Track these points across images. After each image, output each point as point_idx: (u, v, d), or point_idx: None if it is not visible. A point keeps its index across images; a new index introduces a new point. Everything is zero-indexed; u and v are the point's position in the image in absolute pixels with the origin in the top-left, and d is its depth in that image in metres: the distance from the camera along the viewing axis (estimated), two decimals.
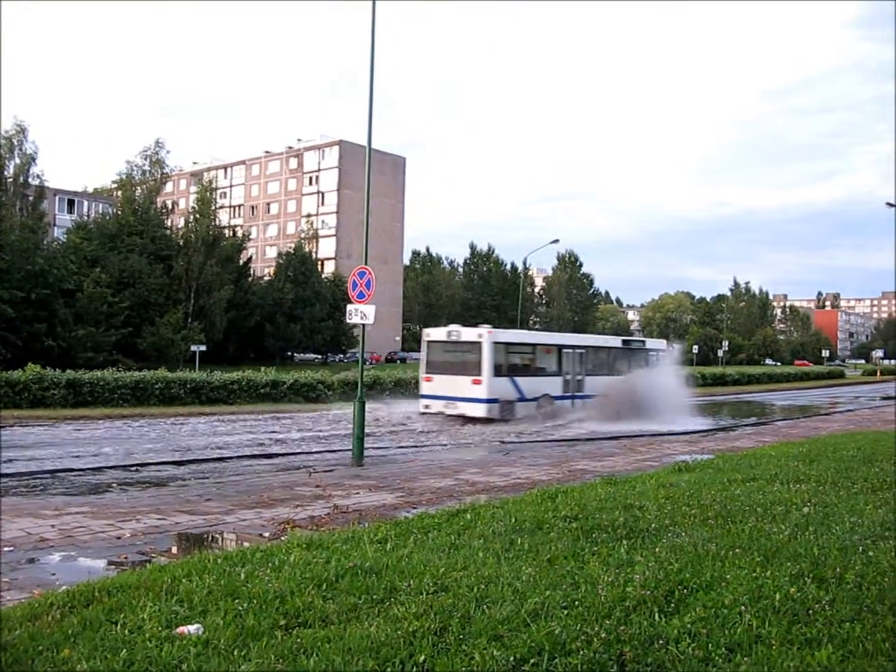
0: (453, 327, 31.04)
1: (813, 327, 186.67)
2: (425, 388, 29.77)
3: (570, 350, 32.12)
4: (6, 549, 8.67)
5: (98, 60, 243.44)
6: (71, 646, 4.85)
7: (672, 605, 5.63)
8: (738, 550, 7.13)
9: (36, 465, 16.43)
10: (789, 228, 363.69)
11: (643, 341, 42.34)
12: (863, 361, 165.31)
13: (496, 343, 28.80)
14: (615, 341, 37.75)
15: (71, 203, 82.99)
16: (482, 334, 28.65)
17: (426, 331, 32.26)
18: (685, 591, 5.93)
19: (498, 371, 28.45)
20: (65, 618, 5.45)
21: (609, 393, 30.36)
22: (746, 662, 4.60)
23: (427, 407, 29.29)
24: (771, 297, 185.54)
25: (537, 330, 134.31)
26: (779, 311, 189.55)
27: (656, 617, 5.34)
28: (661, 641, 4.87)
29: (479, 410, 27.87)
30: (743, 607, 5.47)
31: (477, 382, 27.89)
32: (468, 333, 29.46)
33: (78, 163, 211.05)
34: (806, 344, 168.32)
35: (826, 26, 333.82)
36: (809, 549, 7.16)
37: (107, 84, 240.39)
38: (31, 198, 61.52)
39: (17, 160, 59.96)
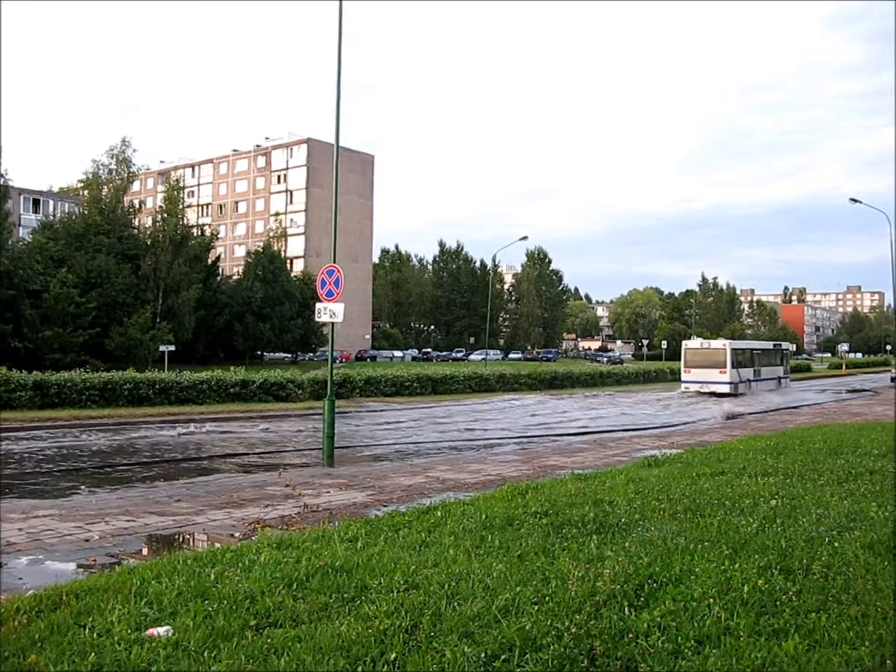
0: (704, 340, 56.82)
1: (780, 321, 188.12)
2: (685, 377, 48.48)
3: (759, 351, 54.99)
4: None
5: (63, 57, 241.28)
6: (38, 651, 4.80)
7: (642, 598, 5.66)
8: (706, 544, 7.18)
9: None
10: (756, 224, 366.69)
11: (780, 344, 64.88)
12: (829, 355, 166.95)
13: (733, 349, 48.15)
14: (770, 344, 61.42)
15: (36, 202, 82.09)
16: (725, 344, 49.94)
17: (685, 342, 51.94)
18: (655, 584, 5.96)
19: (734, 365, 47.04)
20: (31, 622, 5.40)
21: (773, 377, 54.39)
22: (715, 654, 4.64)
23: (687, 388, 47.83)
24: (738, 291, 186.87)
25: (507, 327, 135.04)
26: (746, 306, 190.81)
27: (626, 611, 5.36)
28: (630, 635, 4.90)
29: (725, 389, 45.94)
30: (712, 600, 5.51)
31: (723, 373, 46.39)
32: (715, 343, 51.39)
33: (43, 162, 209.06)
34: (773, 338, 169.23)
35: (791, 25, 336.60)
36: (777, 542, 7.22)
37: (72, 82, 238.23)
38: None
39: None
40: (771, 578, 6.03)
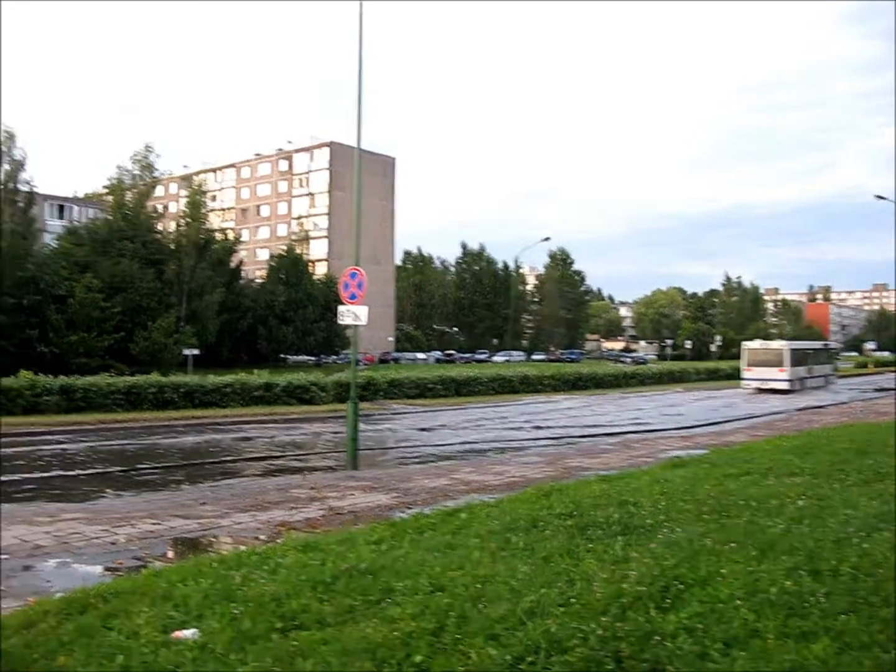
0: (763, 341, 60.69)
1: (805, 320, 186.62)
2: (746, 374, 52.18)
3: (811, 350, 57.88)
4: (1, 556, 8.64)
5: (88, 65, 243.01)
6: (67, 653, 4.84)
7: (668, 600, 5.63)
8: (733, 545, 7.13)
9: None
10: (780, 223, 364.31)
11: (829, 343, 72.01)
12: (855, 353, 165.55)
13: (791, 349, 51.66)
14: (821, 344, 65.99)
15: (61, 208, 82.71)
16: (783, 345, 53.32)
17: (745, 343, 56.19)
18: (681, 586, 5.93)
19: (791, 364, 50.15)
20: (60, 625, 5.44)
21: (822, 374, 57.22)
22: (743, 657, 4.60)
23: (748, 384, 51.52)
24: (762, 290, 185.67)
25: (530, 328, 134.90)
26: (770, 305, 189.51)
27: (652, 613, 5.33)
28: (657, 637, 4.87)
29: (784, 385, 49.35)
30: (739, 602, 5.47)
31: (782, 371, 49.76)
32: (774, 344, 55.12)
33: (68, 168, 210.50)
34: (798, 337, 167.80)
35: (812, 22, 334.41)
36: (804, 543, 7.16)
37: (97, 89, 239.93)
38: (20, 204, 61.15)
39: (7, 166, 59.60)
40: (799, 580, 5.98)
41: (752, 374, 51.60)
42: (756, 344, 55.50)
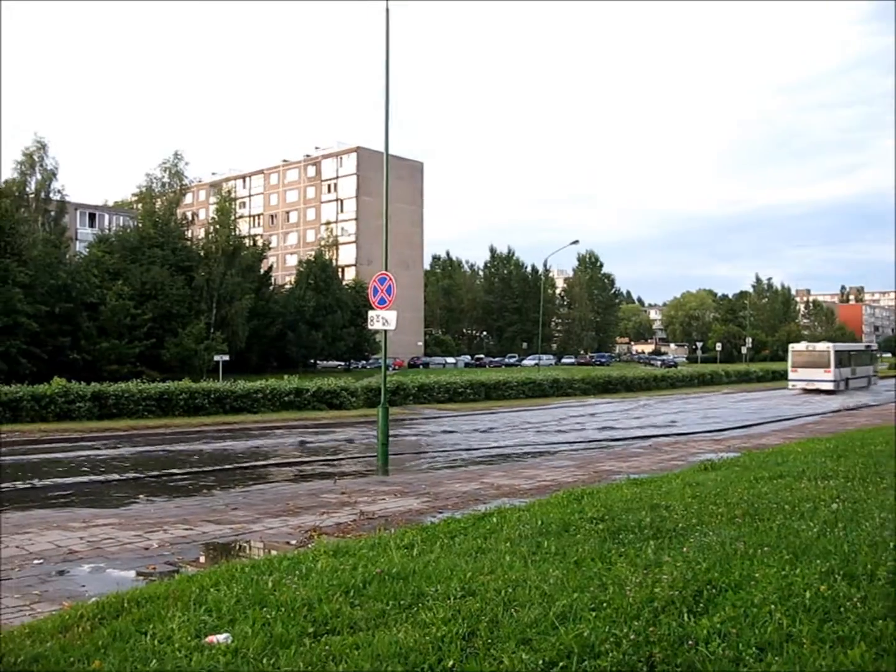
0: (809, 343, 61.01)
1: (837, 322, 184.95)
2: (793, 375, 54.98)
3: (854, 352, 60.56)
4: (36, 561, 8.73)
5: (115, 74, 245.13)
6: (101, 657, 4.87)
7: (701, 604, 5.59)
8: (766, 549, 7.08)
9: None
10: (810, 224, 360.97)
11: (871, 345, 73.87)
12: (889, 355, 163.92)
13: (836, 350, 53.94)
14: (863, 346, 69.31)
15: (92, 217, 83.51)
16: (829, 346, 55.04)
17: (792, 345, 58.16)
18: (714, 590, 5.89)
19: (837, 365, 52.97)
20: (95, 629, 5.48)
21: (865, 375, 60.24)
22: (778, 662, 4.55)
23: (794, 385, 54.74)
24: (794, 292, 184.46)
25: (559, 332, 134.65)
26: (802, 307, 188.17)
27: (685, 617, 5.29)
28: (690, 642, 4.83)
29: (829, 386, 52.29)
30: (773, 606, 5.42)
31: (827, 372, 52.66)
32: (820, 346, 56.15)
33: (98, 177, 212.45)
34: (831, 339, 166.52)
35: (841, 21, 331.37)
36: (839, 546, 7.09)
37: (125, 97, 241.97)
38: (52, 213, 61.98)
39: (38, 176, 60.46)
40: (834, 584, 5.91)
41: (798, 375, 54.57)
42: (802, 346, 57.75)
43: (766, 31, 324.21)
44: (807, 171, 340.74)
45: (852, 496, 9.98)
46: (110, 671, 4.63)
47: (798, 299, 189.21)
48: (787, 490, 10.67)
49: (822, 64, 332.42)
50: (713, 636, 4.92)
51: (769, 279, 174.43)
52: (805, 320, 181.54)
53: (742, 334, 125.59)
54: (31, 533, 10.31)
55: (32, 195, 60.46)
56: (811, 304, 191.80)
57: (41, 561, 8.76)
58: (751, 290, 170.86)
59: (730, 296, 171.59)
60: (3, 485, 15.70)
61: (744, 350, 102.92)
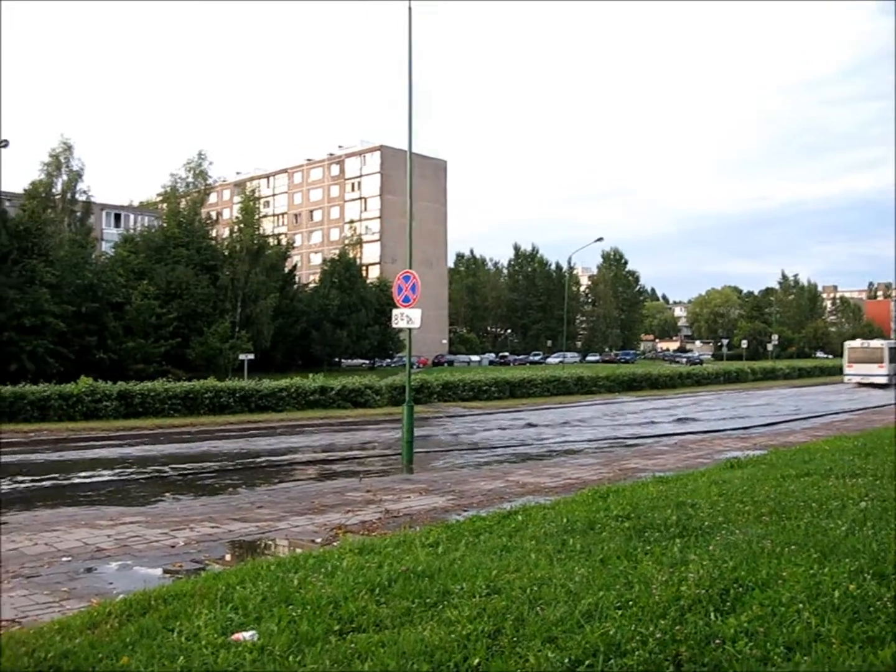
0: (863, 340, 67.59)
1: (865, 318, 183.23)
2: (848, 370, 60.00)
3: None
4: (64, 559, 8.80)
5: (140, 74, 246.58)
6: (129, 653, 4.91)
7: (728, 603, 5.56)
8: (793, 547, 7.04)
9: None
10: (836, 219, 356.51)
11: None
12: None
13: (889, 347, 57.91)
14: None
15: (117, 217, 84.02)
16: (882, 343, 60.23)
17: (848, 342, 64.42)
18: (741, 589, 5.86)
19: (890, 360, 56.65)
20: (123, 626, 5.52)
21: None
22: (806, 662, 4.52)
23: (850, 379, 58.73)
24: (820, 288, 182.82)
25: (584, 329, 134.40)
26: (829, 303, 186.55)
27: (712, 616, 5.27)
28: (717, 641, 4.81)
29: (883, 380, 55.58)
30: (801, 605, 5.38)
31: (881, 367, 56.54)
32: (874, 343, 62.00)
33: (123, 177, 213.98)
34: (858, 335, 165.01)
35: (860, 15, 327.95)
36: (868, 545, 7.03)
37: (150, 98, 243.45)
38: (78, 213, 62.44)
39: (65, 177, 60.94)
40: (863, 583, 5.86)
41: (853, 370, 59.31)
42: (857, 343, 62.93)
43: (787, 25, 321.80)
44: (830, 166, 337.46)
45: (881, 494, 9.90)
46: (138, 668, 4.67)
47: (825, 296, 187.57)
48: (814, 488, 10.61)
49: (842, 59, 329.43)
50: (740, 635, 4.90)
51: (795, 276, 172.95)
52: (832, 317, 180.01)
53: (768, 331, 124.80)
54: (59, 531, 10.40)
55: (59, 196, 60.93)
56: (838, 301, 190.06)
57: (69, 558, 8.83)
58: (777, 286, 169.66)
59: (755, 293, 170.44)
60: (31, 483, 15.84)
61: (770, 347, 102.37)
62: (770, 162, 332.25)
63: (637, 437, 24.14)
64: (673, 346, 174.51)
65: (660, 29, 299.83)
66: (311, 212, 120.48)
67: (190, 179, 69.19)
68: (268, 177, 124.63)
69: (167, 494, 14.57)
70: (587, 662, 4.56)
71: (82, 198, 62.37)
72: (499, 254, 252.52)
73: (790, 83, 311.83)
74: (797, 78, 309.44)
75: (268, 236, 73.16)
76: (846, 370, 60.38)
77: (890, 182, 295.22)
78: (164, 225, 65.40)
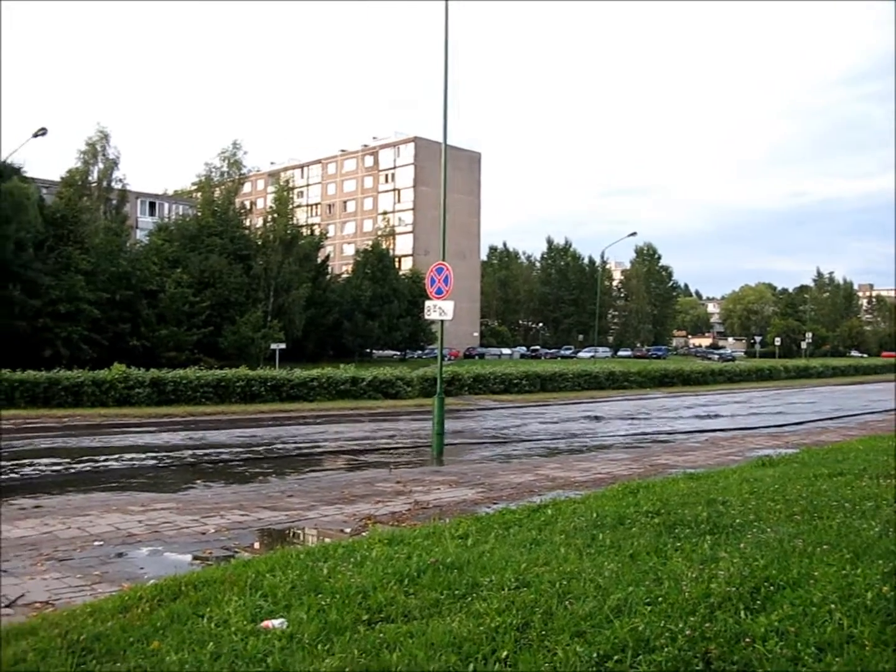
0: None
1: None
2: None
3: None
4: (97, 543, 8.89)
5: (177, 64, 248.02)
6: (160, 638, 4.96)
7: (758, 602, 5.52)
8: (825, 547, 6.97)
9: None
10: (872, 217, 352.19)
11: None
12: None
13: None
14: None
15: (152, 205, 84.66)
16: None
17: None
18: (771, 588, 5.81)
19: None
20: (153, 611, 5.58)
21: None
22: (838, 663, 4.48)
23: None
24: (856, 286, 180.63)
25: (616, 324, 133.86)
26: (864, 302, 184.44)
27: (742, 614, 5.24)
28: (747, 639, 4.78)
29: None
30: (832, 606, 5.33)
31: None
32: None
33: (158, 166, 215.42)
34: (894, 335, 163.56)
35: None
36: None
37: (186, 88, 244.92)
38: (114, 201, 63.04)
39: (101, 165, 61.52)
40: None
41: None
42: None
43: (825, 20, 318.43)
44: (867, 163, 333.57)
45: None
46: (168, 652, 4.71)
47: (860, 294, 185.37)
48: (847, 488, 10.50)
49: (881, 53, 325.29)
50: (770, 634, 4.86)
51: (831, 273, 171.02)
52: (867, 316, 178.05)
53: (802, 329, 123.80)
54: (91, 515, 10.51)
55: (95, 184, 61.54)
56: (874, 300, 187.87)
57: (101, 543, 8.93)
58: (812, 284, 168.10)
59: (790, 290, 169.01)
60: (65, 468, 16.00)
61: (803, 345, 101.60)
62: (808, 158, 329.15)
63: (667, 433, 24.01)
64: (705, 342, 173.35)
65: (698, 22, 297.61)
66: (345, 202, 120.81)
67: (224, 169, 69.63)
68: (302, 167, 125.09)
69: (198, 481, 14.66)
70: (615, 657, 4.55)
71: (118, 186, 62.96)
72: (532, 247, 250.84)
73: (830, 78, 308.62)
74: (836, 73, 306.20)
75: (301, 226, 73.50)
76: None
77: None
78: (199, 214, 65.85)
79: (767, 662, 4.49)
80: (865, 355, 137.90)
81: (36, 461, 16.53)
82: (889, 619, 5.15)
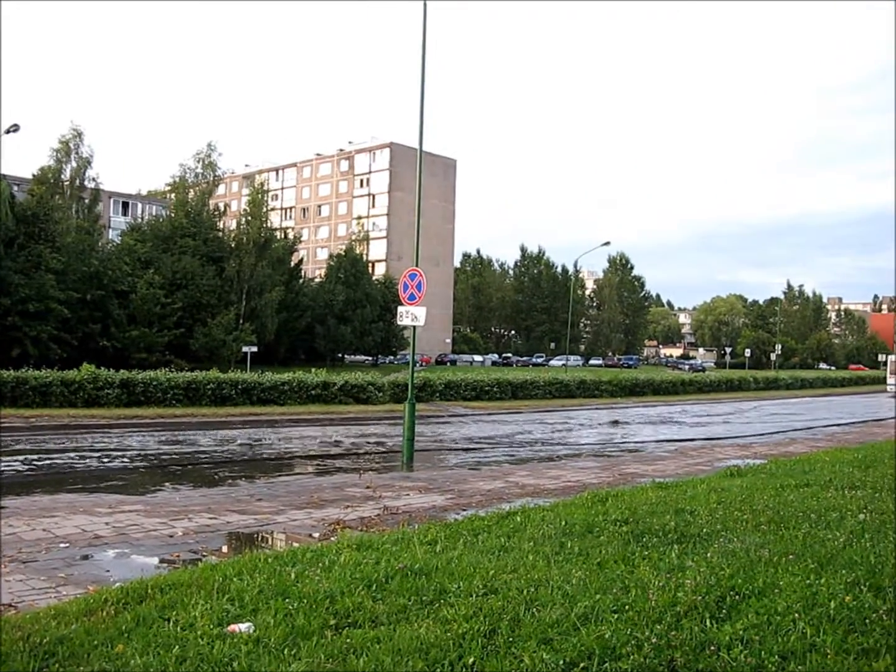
0: None
1: (869, 331, 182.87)
2: (890, 380, 67.22)
3: None
4: (62, 545, 8.82)
5: (152, 64, 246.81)
6: (125, 641, 4.92)
7: (724, 611, 5.56)
8: (791, 557, 7.03)
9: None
10: (843, 231, 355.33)
11: None
12: None
13: None
14: None
15: (125, 205, 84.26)
16: None
17: (891, 356, 71.96)
18: (737, 597, 5.85)
19: None
20: (119, 614, 5.53)
21: None
22: (801, 671, 4.53)
23: (891, 388, 65.15)
24: (825, 300, 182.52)
25: (587, 333, 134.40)
26: (833, 315, 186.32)
27: (708, 623, 5.27)
28: (712, 647, 4.81)
29: None
30: (796, 615, 5.38)
31: None
32: None
33: (132, 166, 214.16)
34: (862, 348, 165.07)
35: (876, 26, 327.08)
36: (866, 557, 7.03)
37: (161, 88, 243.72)
38: (86, 200, 62.57)
39: (74, 163, 61.08)
40: (859, 595, 5.85)
41: (895, 381, 66.60)
42: None
43: (803, 34, 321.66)
44: (844, 178, 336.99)
45: (879, 507, 9.88)
46: (133, 655, 4.67)
47: (829, 307, 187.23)
48: (813, 499, 10.60)
49: (859, 69, 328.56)
50: (735, 642, 4.90)
51: (801, 286, 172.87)
52: (836, 329, 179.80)
53: (772, 341, 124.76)
54: (58, 517, 10.42)
55: (67, 182, 61.09)
56: (843, 313, 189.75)
57: (67, 545, 8.85)
58: (782, 296, 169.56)
59: (760, 302, 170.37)
60: (31, 469, 15.87)
61: (773, 357, 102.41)
62: (783, 171, 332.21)
63: (637, 443, 24.13)
64: (676, 352, 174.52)
65: (674, 33, 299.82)
66: (319, 207, 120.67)
67: (199, 170, 69.38)
68: (277, 170, 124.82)
69: (166, 484, 14.59)
70: (582, 665, 4.56)
71: (91, 185, 62.51)
72: (505, 255, 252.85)
73: (807, 91, 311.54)
74: (815, 86, 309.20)
75: (275, 230, 73.24)
76: (889, 380, 67.98)
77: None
78: (172, 215, 65.53)
79: (732, 670, 4.53)
80: (833, 368, 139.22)
81: (1, 461, 16.38)
82: (851, 628, 5.20)
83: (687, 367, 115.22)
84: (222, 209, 75.47)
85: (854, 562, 6.88)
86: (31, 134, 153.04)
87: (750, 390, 63.65)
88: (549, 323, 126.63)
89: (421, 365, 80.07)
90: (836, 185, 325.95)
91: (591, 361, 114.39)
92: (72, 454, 18.14)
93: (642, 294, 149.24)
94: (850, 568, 6.66)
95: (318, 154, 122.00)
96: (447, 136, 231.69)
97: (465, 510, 11.40)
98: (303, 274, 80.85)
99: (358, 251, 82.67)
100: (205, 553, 8.71)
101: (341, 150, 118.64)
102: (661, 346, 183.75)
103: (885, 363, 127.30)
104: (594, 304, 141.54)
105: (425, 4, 18.69)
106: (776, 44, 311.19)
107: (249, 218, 65.54)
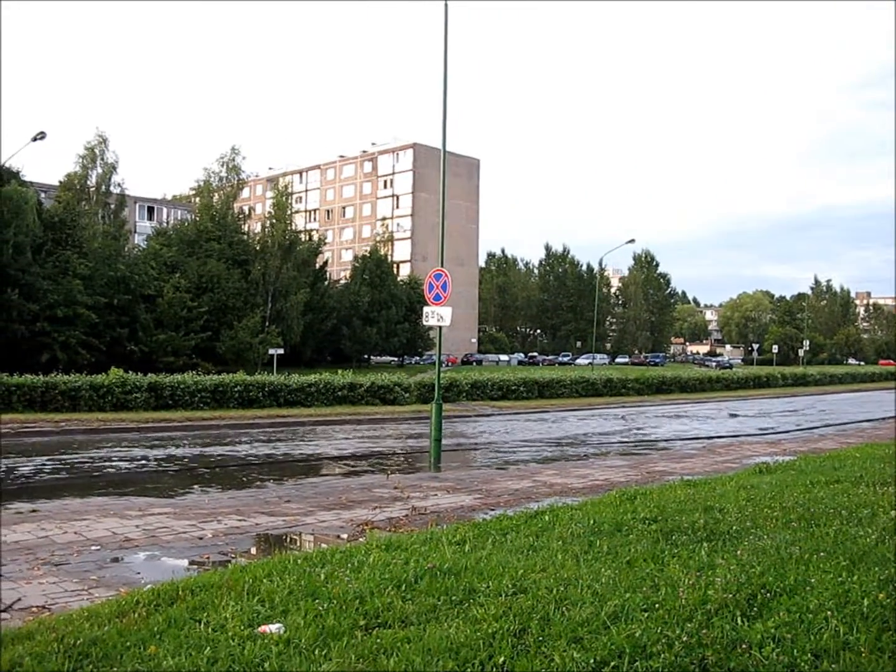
0: None
1: None
2: None
3: None
4: (93, 547, 8.89)
5: (177, 69, 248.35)
6: (157, 643, 4.95)
7: (755, 608, 5.52)
8: (822, 554, 6.97)
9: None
10: (871, 224, 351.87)
11: None
12: None
13: None
14: None
15: (151, 210, 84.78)
16: None
17: None
18: (768, 594, 5.81)
19: None
20: (150, 615, 5.56)
21: None
22: (834, 670, 4.48)
23: None
24: (853, 294, 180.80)
25: (613, 331, 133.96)
26: (862, 310, 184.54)
27: (739, 621, 5.23)
28: (744, 646, 4.77)
29: None
30: (829, 612, 5.33)
31: None
32: None
33: (157, 171, 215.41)
34: (891, 343, 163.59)
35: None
36: None
37: (185, 93, 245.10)
38: (112, 206, 62.94)
39: (99, 169, 61.45)
40: (893, 592, 5.77)
41: None
42: None
43: (830, 27, 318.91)
44: (868, 171, 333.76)
45: None
46: (165, 656, 4.70)
47: (858, 302, 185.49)
48: (844, 495, 10.50)
49: (882, 61, 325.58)
50: (767, 641, 4.86)
51: (828, 281, 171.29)
52: (864, 324, 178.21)
53: (799, 337, 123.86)
54: (88, 520, 10.50)
55: (93, 188, 61.46)
56: (871, 308, 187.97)
57: (98, 547, 8.92)
58: (809, 292, 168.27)
59: (787, 297, 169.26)
60: (62, 473, 16.00)
61: (801, 353, 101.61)
62: (808, 166, 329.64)
63: (665, 440, 24.04)
64: (703, 349, 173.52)
65: (697, 28, 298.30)
66: (343, 208, 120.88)
67: (223, 174, 69.64)
68: (300, 173, 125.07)
69: (195, 486, 14.67)
70: (612, 664, 4.54)
71: (116, 190, 62.85)
72: (530, 254, 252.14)
73: (830, 85, 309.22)
74: (839, 80, 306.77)
75: (299, 232, 73.44)
76: None
77: None
78: (197, 219, 65.83)
79: (763, 668, 4.49)
80: (862, 363, 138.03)
81: (33, 465, 16.52)
82: (885, 626, 5.15)
83: (714, 363, 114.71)
84: (247, 212, 75.77)
85: (887, 559, 6.81)
86: (57, 141, 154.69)
87: (778, 387, 63.21)
88: (574, 321, 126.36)
89: (447, 365, 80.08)
90: (860, 178, 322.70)
91: (618, 359, 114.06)
92: (101, 457, 18.28)
93: (668, 291, 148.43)
94: (882, 565, 6.59)
95: (341, 156, 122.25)
96: (470, 135, 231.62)
97: (493, 510, 11.39)
98: (328, 276, 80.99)
99: (382, 252, 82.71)
100: (234, 555, 8.75)
101: (364, 151, 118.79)
102: (687, 344, 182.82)
103: None
104: (619, 301, 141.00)
105: (446, 4, 18.71)
106: (798, 38, 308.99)
107: (274, 220, 65.76)
